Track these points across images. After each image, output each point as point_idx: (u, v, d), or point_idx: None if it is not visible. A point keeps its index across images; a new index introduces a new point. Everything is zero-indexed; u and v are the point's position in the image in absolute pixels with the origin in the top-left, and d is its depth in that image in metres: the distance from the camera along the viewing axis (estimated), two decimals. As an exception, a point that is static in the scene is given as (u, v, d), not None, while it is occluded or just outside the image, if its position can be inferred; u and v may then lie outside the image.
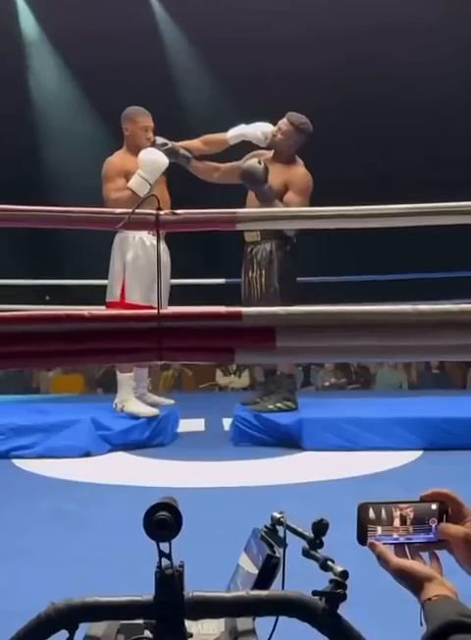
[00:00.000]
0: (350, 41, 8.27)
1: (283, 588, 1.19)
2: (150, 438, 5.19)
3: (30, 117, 9.32)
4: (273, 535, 1.23)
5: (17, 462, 4.77)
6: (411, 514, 1.21)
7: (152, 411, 5.26)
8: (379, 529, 1.20)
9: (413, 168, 8.46)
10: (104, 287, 5.42)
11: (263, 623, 1.17)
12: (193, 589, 1.12)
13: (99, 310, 1.81)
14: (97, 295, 5.78)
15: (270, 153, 5.22)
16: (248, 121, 5.20)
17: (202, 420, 6.15)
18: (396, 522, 1.21)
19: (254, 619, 1.19)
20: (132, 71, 7.91)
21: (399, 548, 1.20)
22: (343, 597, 1.10)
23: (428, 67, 8.24)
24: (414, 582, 1.15)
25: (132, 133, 5.21)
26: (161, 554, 1.09)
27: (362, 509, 1.20)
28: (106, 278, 5.36)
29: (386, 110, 8.57)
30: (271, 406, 5.36)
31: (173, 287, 5.45)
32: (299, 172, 5.26)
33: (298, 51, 7.99)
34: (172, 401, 5.72)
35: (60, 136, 9.20)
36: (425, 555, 1.20)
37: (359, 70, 8.34)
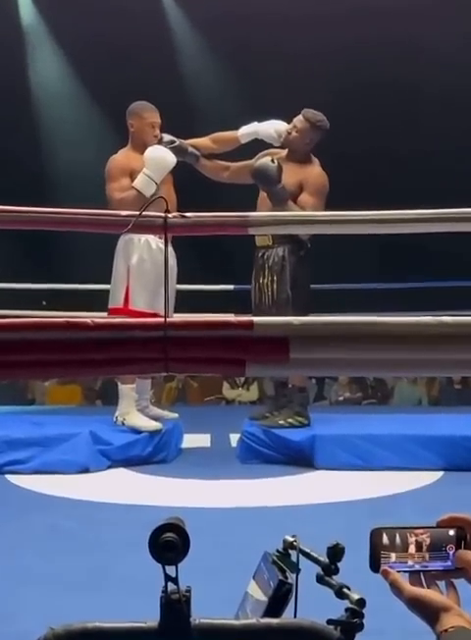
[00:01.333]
0: (370, 33, 8.29)
1: (295, 616, 1.19)
2: (152, 454, 5.19)
3: (32, 113, 9.37)
4: (285, 560, 1.24)
5: (11, 478, 4.77)
6: (427, 540, 1.21)
7: (155, 425, 5.27)
8: (393, 556, 1.21)
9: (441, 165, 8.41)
10: (106, 292, 5.43)
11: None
12: (200, 616, 1.13)
13: (102, 319, 1.82)
14: (98, 301, 5.81)
15: (284, 152, 5.24)
16: (261, 118, 5.21)
17: (208, 436, 6.14)
18: (412, 549, 1.21)
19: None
20: (138, 65, 7.96)
21: (414, 576, 1.20)
22: (360, 627, 1.11)
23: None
24: (430, 612, 1.16)
25: (138, 129, 5.23)
26: (167, 578, 1.09)
27: (375, 535, 1.21)
28: (108, 282, 5.37)
29: (408, 98, 8.53)
30: (281, 422, 5.36)
31: (178, 292, 5.45)
32: (315, 171, 5.27)
33: (315, 47, 8.04)
34: (176, 415, 5.73)
35: (63, 133, 9.25)
36: (441, 583, 1.20)
37: (381, 65, 8.36)
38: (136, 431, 5.22)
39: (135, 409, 5.31)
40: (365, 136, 8.18)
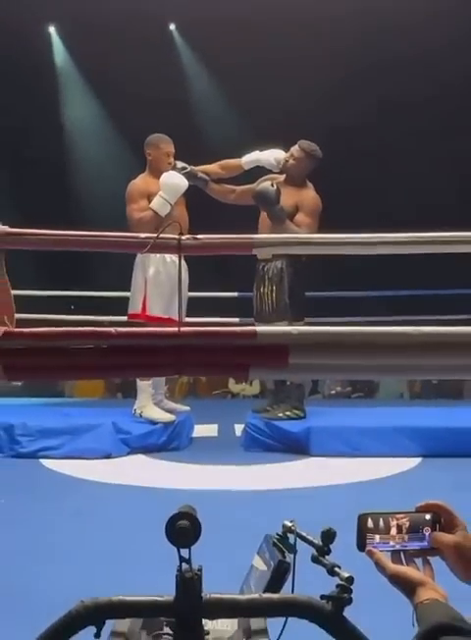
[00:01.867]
0: (373, 80, 8.25)
1: (293, 591, 1.20)
2: (167, 442, 5.19)
3: (63, 145, 9.41)
4: (284, 542, 1.25)
5: (44, 462, 4.79)
6: (406, 524, 1.22)
7: (169, 417, 5.27)
8: (377, 537, 1.22)
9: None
10: (125, 299, 5.46)
11: (274, 623, 1.19)
12: (210, 592, 1.14)
13: (124, 328, 1.82)
14: (119, 306, 5.82)
15: (282, 177, 5.25)
16: (262, 147, 5.24)
17: (215, 426, 6.12)
18: (393, 531, 1.22)
19: (266, 620, 1.20)
20: (156, 101, 7.96)
21: (395, 554, 1.21)
22: (349, 601, 1.11)
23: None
24: (408, 586, 1.17)
25: (155, 157, 5.26)
26: (181, 559, 1.11)
27: (361, 519, 1.22)
28: (128, 290, 5.39)
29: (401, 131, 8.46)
30: (280, 414, 5.36)
31: (189, 299, 5.48)
32: (309, 195, 5.30)
33: (312, 82, 8.02)
34: (187, 408, 5.72)
35: (89, 162, 9.29)
36: (419, 561, 1.21)
37: (379, 106, 8.30)
38: (153, 422, 5.23)
39: (152, 403, 5.31)
40: (354, 165, 8.16)
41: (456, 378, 4.56)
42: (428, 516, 1.24)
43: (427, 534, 1.22)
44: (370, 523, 1.23)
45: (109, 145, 9.32)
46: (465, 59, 7.98)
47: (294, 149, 5.23)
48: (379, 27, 8.02)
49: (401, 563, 1.21)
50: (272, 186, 5.02)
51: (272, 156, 5.17)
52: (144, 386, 5.30)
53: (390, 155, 8.42)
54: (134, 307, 5.25)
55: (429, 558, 1.22)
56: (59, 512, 3.70)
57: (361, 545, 1.22)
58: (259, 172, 5.31)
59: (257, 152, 5.20)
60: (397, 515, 1.23)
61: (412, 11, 7.92)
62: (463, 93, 8.28)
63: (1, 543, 3.18)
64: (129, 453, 5.03)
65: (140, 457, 4.99)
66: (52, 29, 9.29)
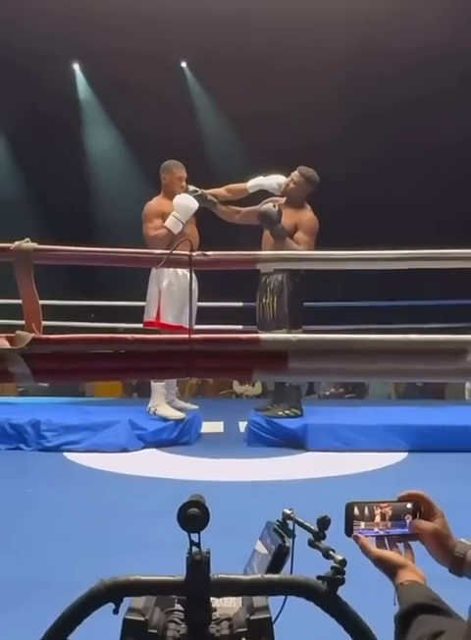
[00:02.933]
0: (375, 117, 8.30)
1: (291, 573, 1.20)
2: (178, 437, 5.20)
3: (86, 172, 9.47)
4: (284, 528, 1.24)
5: (67, 455, 4.79)
6: (390, 512, 1.23)
7: (180, 415, 5.27)
8: (362, 524, 1.22)
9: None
10: (141, 308, 5.47)
11: (275, 601, 1.19)
12: (217, 572, 1.14)
13: (140, 335, 1.82)
14: (135, 315, 5.82)
15: (283, 200, 5.27)
16: (266, 173, 5.27)
17: (221, 423, 6.12)
18: (377, 519, 1.23)
19: (267, 598, 1.20)
20: (168, 130, 7.99)
21: (380, 539, 1.21)
22: (342, 581, 1.11)
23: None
24: (390, 569, 1.17)
25: (169, 181, 5.28)
26: (192, 542, 1.11)
27: (349, 508, 1.23)
28: (143, 300, 5.41)
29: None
30: (280, 413, 5.36)
31: (199, 308, 5.48)
32: (308, 215, 5.32)
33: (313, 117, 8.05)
34: (196, 406, 5.73)
35: (109, 187, 9.35)
36: (401, 546, 1.21)
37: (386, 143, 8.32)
38: (165, 419, 5.23)
39: (164, 402, 5.31)
40: (347, 187, 8.16)
41: (439, 380, 4.54)
42: (409, 505, 1.24)
43: (408, 521, 1.23)
44: (356, 511, 1.23)
45: (126, 170, 9.36)
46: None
47: (294, 174, 5.26)
48: (382, 71, 8.04)
49: (385, 548, 1.21)
50: (274, 207, 5.05)
51: (274, 181, 5.21)
52: (158, 387, 5.30)
53: (380, 187, 8.43)
54: (149, 315, 5.27)
55: (410, 543, 1.23)
56: (80, 500, 3.70)
57: (348, 531, 1.22)
58: (263, 195, 5.33)
59: (261, 177, 5.23)
60: (381, 504, 1.23)
61: (410, 51, 7.91)
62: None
63: (28, 527, 3.19)
64: (143, 448, 5.03)
65: (154, 451, 4.99)
66: (76, 66, 9.34)
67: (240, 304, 7.00)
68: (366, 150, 8.22)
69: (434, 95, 8.01)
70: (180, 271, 5.07)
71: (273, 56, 8.02)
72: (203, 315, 5.52)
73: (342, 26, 7.64)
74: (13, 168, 9.28)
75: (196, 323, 5.25)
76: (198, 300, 5.34)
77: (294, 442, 5.08)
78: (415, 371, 1.89)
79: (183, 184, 5.23)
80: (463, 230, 5.49)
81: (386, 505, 1.23)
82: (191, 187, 5.15)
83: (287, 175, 5.28)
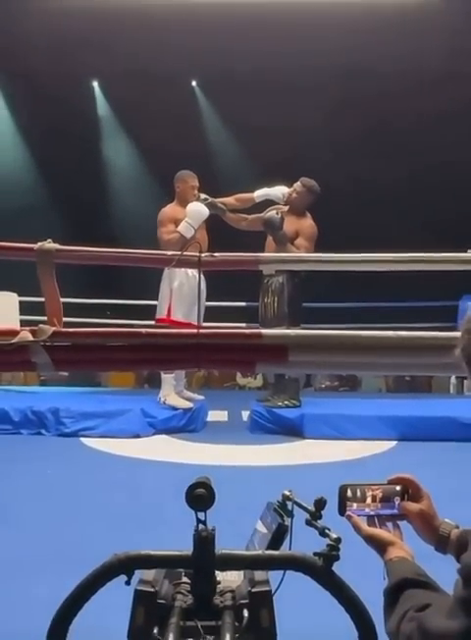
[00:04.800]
0: (382, 134, 8.27)
1: (290, 549, 1.20)
2: (186, 425, 5.17)
3: (105, 178, 9.48)
4: (283, 508, 1.24)
5: (83, 440, 4.79)
6: (380, 494, 1.22)
7: (188, 404, 5.27)
8: (355, 505, 1.22)
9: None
10: (154, 306, 5.48)
11: (274, 576, 1.19)
12: (222, 548, 1.14)
13: (152, 329, 1.82)
14: (148, 312, 5.82)
15: (286, 208, 5.27)
16: (271, 184, 5.28)
17: (225, 412, 6.09)
18: (369, 500, 1.22)
19: (267, 572, 1.20)
20: (181, 143, 7.99)
21: (371, 519, 1.21)
22: (337, 558, 1.11)
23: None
24: (380, 546, 1.17)
25: (182, 190, 5.29)
26: (198, 520, 1.11)
27: (342, 489, 1.22)
28: (156, 298, 5.42)
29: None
30: (280, 403, 5.35)
31: (206, 308, 5.47)
32: (308, 223, 5.33)
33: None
34: (202, 397, 5.72)
35: (126, 194, 9.35)
36: (390, 525, 1.21)
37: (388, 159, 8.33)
38: (174, 408, 5.23)
39: (174, 392, 5.31)
40: (345, 198, 8.16)
41: (426, 374, 4.54)
42: (398, 488, 1.23)
43: (397, 503, 1.22)
44: (349, 493, 1.23)
45: (141, 180, 9.36)
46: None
47: (297, 185, 5.27)
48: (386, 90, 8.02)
49: (375, 527, 1.21)
50: (277, 214, 5.07)
51: (279, 191, 5.22)
52: (168, 378, 5.30)
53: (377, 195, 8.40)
54: (161, 313, 5.28)
55: (398, 522, 1.23)
56: (95, 482, 3.70)
57: (342, 511, 1.22)
58: (268, 204, 5.34)
59: (266, 188, 5.24)
60: (372, 487, 1.23)
61: (407, 75, 7.88)
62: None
63: (48, 506, 3.18)
64: (154, 434, 5.01)
65: (164, 437, 4.98)
66: (95, 84, 9.34)
67: (244, 304, 7.00)
68: (362, 162, 8.21)
69: (423, 115, 7.99)
70: (190, 272, 5.06)
71: (274, 75, 8.03)
72: (210, 313, 5.51)
73: (337, 46, 7.62)
74: (38, 177, 9.28)
75: (204, 320, 5.26)
76: (206, 300, 5.34)
77: (293, 430, 5.06)
78: (404, 365, 1.88)
79: (196, 192, 5.22)
80: (442, 236, 5.46)
81: (376, 487, 1.23)
82: (203, 196, 5.15)
83: (290, 185, 5.28)
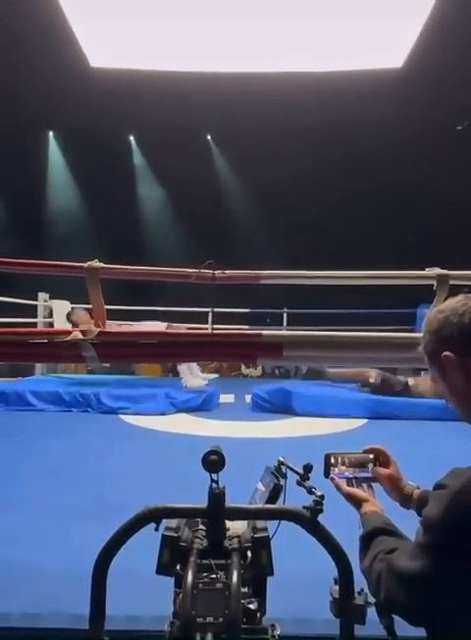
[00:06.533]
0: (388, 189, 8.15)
1: (284, 504, 1.20)
2: (202, 405, 5.16)
3: (138, 211, 9.47)
4: (278, 471, 1.24)
5: (121, 416, 4.80)
6: (357, 461, 1.23)
7: (202, 382, 5.34)
8: (336, 469, 1.22)
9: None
10: (179, 311, 5.49)
11: (271, 525, 1.18)
12: (230, 502, 1.13)
13: (175, 330, 1.82)
14: (172, 316, 5.82)
15: None
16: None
17: (233, 395, 6.09)
18: (348, 465, 1.23)
19: (266, 522, 1.19)
20: (197, 188, 8.01)
21: (349, 481, 1.22)
22: (321, 511, 1.11)
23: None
24: (356, 502, 1.17)
25: None
26: (212, 480, 1.10)
27: (326, 457, 1.23)
28: (181, 306, 5.45)
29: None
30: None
31: (216, 313, 5.44)
32: None
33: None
34: (214, 375, 5.74)
35: (154, 221, 9.36)
36: (365, 485, 1.22)
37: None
38: (195, 391, 5.23)
39: (189, 375, 5.33)
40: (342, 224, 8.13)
41: (393, 366, 4.52)
42: (371, 456, 1.24)
43: (370, 468, 1.22)
44: (332, 460, 1.23)
45: (168, 216, 9.38)
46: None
47: None
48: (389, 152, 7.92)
49: (353, 487, 1.21)
50: None
51: None
52: (183, 368, 5.33)
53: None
54: None
55: (372, 484, 1.22)
56: (130, 449, 3.70)
57: (326, 474, 1.22)
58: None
59: None
60: (350, 455, 1.23)
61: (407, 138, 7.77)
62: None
63: (92, 466, 3.19)
64: (176, 412, 5.01)
65: (184, 416, 4.97)
66: (131, 138, 9.36)
67: (247, 310, 6.99)
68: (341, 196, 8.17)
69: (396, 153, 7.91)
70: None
71: (277, 130, 7.99)
72: (219, 318, 5.49)
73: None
74: (86, 210, 9.33)
75: (214, 323, 5.25)
76: (215, 308, 5.32)
77: (286, 410, 5.05)
78: (375, 358, 1.87)
79: None
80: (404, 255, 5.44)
81: (353, 455, 1.23)
82: None
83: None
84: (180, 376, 5.49)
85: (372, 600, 1.04)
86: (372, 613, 1.06)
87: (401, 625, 1.00)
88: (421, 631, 0.97)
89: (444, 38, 5.99)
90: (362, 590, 1.09)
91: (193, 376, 5.37)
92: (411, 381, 5.11)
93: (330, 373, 5.19)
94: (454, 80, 6.72)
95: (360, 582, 1.09)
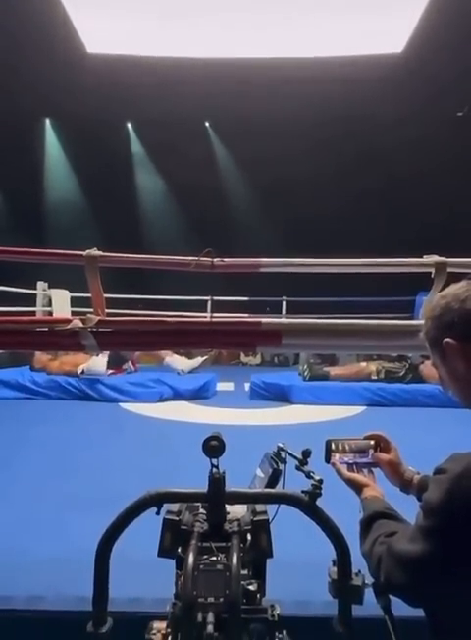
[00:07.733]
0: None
1: (283, 488, 1.21)
2: (200, 392, 5.18)
3: (136, 200, 9.39)
4: (277, 456, 1.25)
5: (121, 405, 4.81)
6: (357, 447, 1.24)
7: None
8: (337, 455, 1.23)
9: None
10: (176, 299, 5.47)
11: (271, 508, 1.20)
12: (230, 486, 1.14)
13: (175, 319, 1.82)
14: (171, 304, 5.80)
15: None
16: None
17: (232, 383, 6.10)
18: (348, 451, 1.24)
19: (266, 506, 1.21)
20: (196, 173, 7.95)
21: (350, 466, 1.22)
22: (319, 494, 1.12)
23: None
24: (357, 487, 1.18)
25: None
26: (212, 465, 1.12)
27: (327, 443, 1.24)
28: (180, 295, 5.45)
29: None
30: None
31: (215, 301, 5.44)
32: None
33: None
34: (205, 357, 5.73)
35: (152, 211, 9.30)
36: (365, 471, 1.23)
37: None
38: (186, 372, 5.25)
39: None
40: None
41: (391, 353, 4.53)
42: (372, 442, 1.24)
43: (370, 453, 1.23)
44: (333, 445, 1.24)
45: (165, 203, 9.32)
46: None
47: None
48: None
49: (354, 472, 1.22)
50: None
51: None
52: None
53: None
54: None
55: (372, 469, 1.23)
56: (130, 435, 3.72)
57: (327, 459, 1.23)
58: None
59: None
60: (351, 441, 1.24)
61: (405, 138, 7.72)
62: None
63: (94, 454, 3.20)
64: (175, 399, 5.02)
65: (183, 403, 4.99)
66: (129, 125, 9.29)
67: (246, 298, 6.98)
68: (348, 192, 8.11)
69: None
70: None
71: (275, 115, 7.92)
72: (219, 307, 5.49)
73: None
74: (85, 200, 9.28)
75: (214, 311, 5.25)
76: (215, 296, 5.32)
77: (284, 397, 5.07)
78: (375, 346, 1.88)
79: None
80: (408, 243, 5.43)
81: (354, 441, 1.24)
82: None
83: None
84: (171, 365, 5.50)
85: (369, 580, 1.06)
86: (369, 593, 1.07)
87: (398, 605, 1.02)
88: (416, 611, 0.99)
89: (446, 27, 5.93)
90: (359, 571, 1.11)
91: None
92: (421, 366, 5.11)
93: (331, 375, 5.21)
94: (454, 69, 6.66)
95: (358, 563, 1.10)
